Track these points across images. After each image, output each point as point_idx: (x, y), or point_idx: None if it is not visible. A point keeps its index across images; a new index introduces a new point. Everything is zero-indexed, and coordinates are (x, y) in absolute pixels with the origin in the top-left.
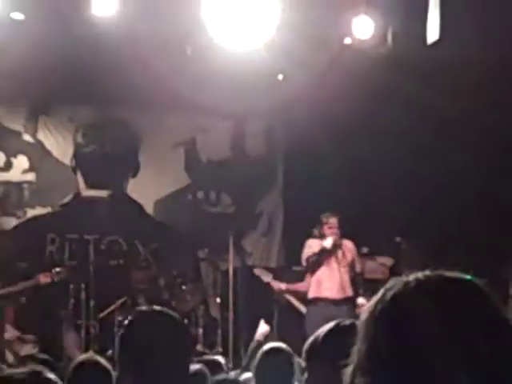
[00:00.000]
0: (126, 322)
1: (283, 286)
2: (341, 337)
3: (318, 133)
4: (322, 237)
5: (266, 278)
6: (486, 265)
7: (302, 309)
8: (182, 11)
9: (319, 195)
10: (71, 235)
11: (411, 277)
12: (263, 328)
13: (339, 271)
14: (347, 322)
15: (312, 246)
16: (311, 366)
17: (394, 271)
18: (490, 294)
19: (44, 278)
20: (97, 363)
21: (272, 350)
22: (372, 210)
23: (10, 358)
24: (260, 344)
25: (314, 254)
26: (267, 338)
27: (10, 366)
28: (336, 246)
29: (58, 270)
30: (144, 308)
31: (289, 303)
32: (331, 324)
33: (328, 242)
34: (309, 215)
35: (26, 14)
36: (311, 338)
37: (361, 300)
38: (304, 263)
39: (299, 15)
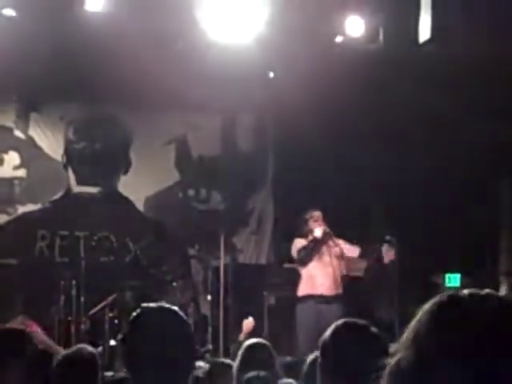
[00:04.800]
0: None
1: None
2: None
3: (308, 129)
4: (310, 232)
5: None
6: (474, 262)
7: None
8: (173, 7)
9: (309, 192)
10: (62, 231)
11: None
12: (248, 325)
13: (332, 265)
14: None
15: (300, 244)
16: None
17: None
18: None
19: None
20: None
21: (254, 345)
22: (362, 207)
23: None
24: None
25: (305, 246)
26: (253, 333)
27: None
28: (326, 234)
29: None
30: (150, 305)
31: (278, 301)
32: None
33: (318, 232)
34: (299, 212)
35: (17, 10)
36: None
37: None
38: (295, 255)
39: (291, 12)
